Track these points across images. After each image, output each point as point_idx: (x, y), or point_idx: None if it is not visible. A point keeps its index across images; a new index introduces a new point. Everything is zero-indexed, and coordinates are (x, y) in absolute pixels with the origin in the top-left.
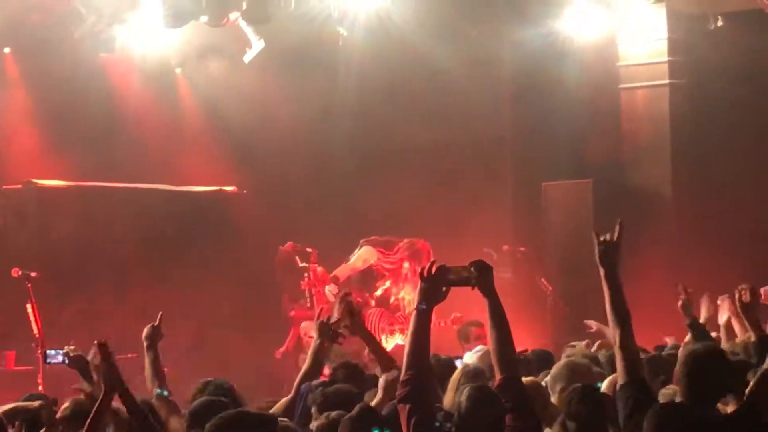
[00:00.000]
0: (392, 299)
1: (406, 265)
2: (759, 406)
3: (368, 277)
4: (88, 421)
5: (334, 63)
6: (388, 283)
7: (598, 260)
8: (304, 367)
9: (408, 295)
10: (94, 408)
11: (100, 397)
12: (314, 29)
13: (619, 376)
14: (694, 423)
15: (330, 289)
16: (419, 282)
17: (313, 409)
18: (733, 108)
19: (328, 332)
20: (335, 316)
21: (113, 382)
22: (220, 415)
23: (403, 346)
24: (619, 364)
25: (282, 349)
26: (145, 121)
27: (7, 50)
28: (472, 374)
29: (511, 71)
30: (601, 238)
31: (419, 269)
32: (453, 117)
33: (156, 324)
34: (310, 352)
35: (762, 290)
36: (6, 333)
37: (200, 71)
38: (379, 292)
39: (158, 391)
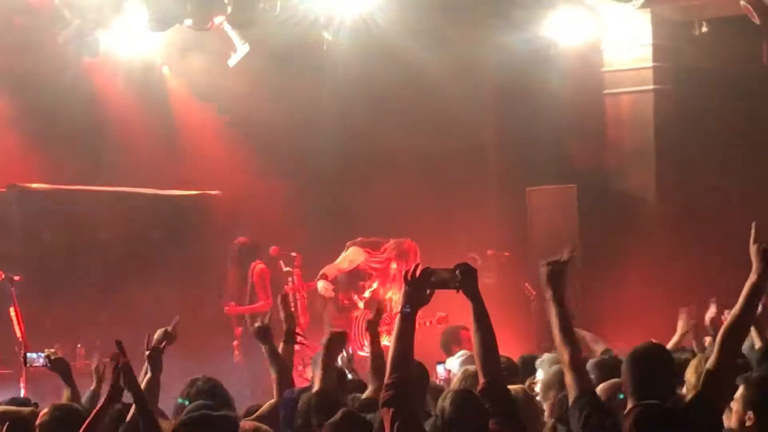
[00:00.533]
0: (381, 296)
1: (393, 265)
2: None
3: (356, 278)
4: (86, 424)
5: (320, 67)
6: (375, 285)
7: (544, 281)
8: (272, 376)
9: (395, 295)
10: (95, 411)
11: (104, 401)
12: (299, 33)
13: (570, 391)
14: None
15: (324, 286)
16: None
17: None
18: (718, 114)
19: (268, 336)
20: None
21: (129, 386)
22: (181, 419)
23: (388, 348)
24: (569, 380)
25: (236, 353)
26: (130, 124)
27: None
28: (473, 378)
29: (495, 76)
30: (549, 260)
31: (406, 273)
32: (438, 122)
33: (170, 329)
34: (268, 361)
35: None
36: None
37: (185, 75)
38: (367, 294)
39: (180, 400)
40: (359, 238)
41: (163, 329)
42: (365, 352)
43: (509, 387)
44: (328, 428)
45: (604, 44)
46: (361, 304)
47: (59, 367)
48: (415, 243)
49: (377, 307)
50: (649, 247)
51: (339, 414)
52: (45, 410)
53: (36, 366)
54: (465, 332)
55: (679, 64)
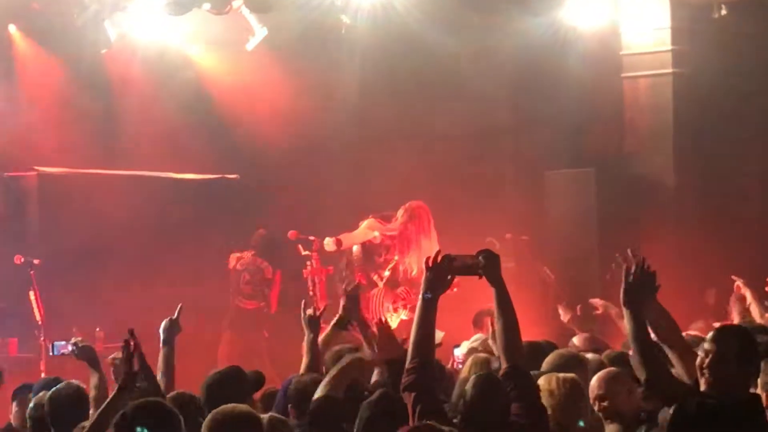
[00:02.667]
0: (401, 268)
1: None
2: None
3: (372, 254)
4: (99, 411)
5: (337, 51)
6: (396, 258)
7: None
8: (303, 363)
9: (413, 259)
10: (107, 401)
11: (117, 390)
12: (317, 17)
13: None
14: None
15: (329, 241)
16: (425, 268)
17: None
18: (737, 97)
19: (317, 326)
20: (342, 306)
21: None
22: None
23: (408, 321)
24: None
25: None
26: (148, 108)
27: (12, 28)
28: (483, 365)
29: (513, 60)
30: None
31: (427, 259)
32: (455, 106)
33: (174, 317)
34: (305, 348)
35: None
36: (8, 320)
37: (202, 59)
38: (387, 273)
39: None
40: (370, 215)
41: (168, 318)
42: None
43: (558, 375)
44: (365, 407)
45: (623, 27)
46: (380, 283)
47: (86, 354)
48: (423, 202)
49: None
50: (667, 230)
51: (376, 394)
52: (61, 385)
53: (62, 354)
54: (489, 318)
55: (697, 48)
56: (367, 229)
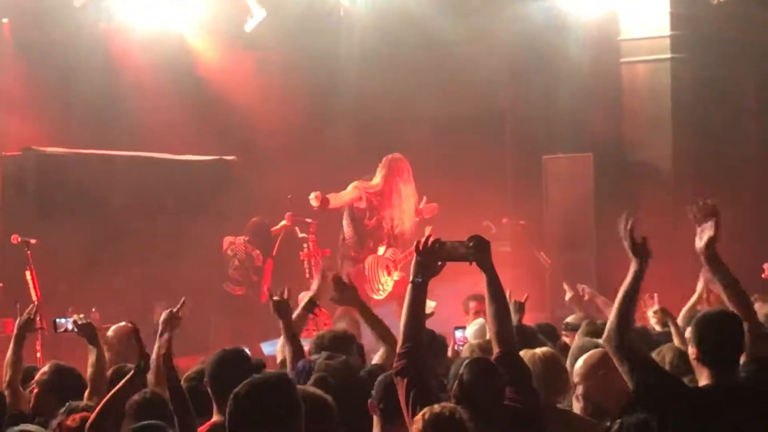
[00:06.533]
0: (385, 225)
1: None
2: None
3: (363, 218)
4: (114, 392)
5: (336, 34)
6: (383, 248)
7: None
8: (288, 353)
9: (396, 212)
10: (120, 384)
11: (132, 373)
12: None
13: None
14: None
15: (313, 196)
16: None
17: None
18: (735, 83)
19: (286, 310)
20: (313, 289)
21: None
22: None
23: (401, 281)
24: None
25: None
26: (145, 89)
27: (5, 20)
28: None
29: (513, 44)
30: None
31: (417, 243)
32: (454, 90)
33: (175, 310)
34: (283, 340)
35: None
36: (4, 299)
37: (201, 40)
38: (388, 254)
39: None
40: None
41: (168, 311)
42: (380, 296)
43: (536, 351)
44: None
45: (621, 13)
46: (381, 250)
47: (86, 331)
48: (402, 156)
49: (339, 284)
50: (665, 215)
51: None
52: (45, 369)
53: (65, 330)
54: (476, 303)
55: (696, 33)
56: (353, 189)
